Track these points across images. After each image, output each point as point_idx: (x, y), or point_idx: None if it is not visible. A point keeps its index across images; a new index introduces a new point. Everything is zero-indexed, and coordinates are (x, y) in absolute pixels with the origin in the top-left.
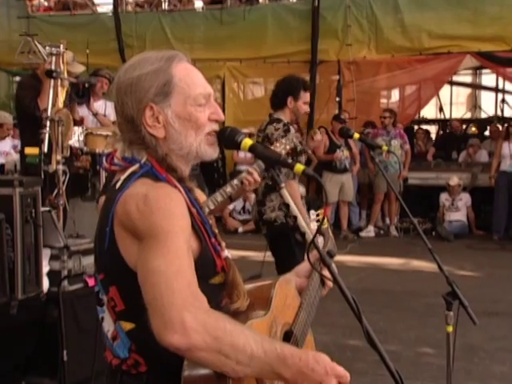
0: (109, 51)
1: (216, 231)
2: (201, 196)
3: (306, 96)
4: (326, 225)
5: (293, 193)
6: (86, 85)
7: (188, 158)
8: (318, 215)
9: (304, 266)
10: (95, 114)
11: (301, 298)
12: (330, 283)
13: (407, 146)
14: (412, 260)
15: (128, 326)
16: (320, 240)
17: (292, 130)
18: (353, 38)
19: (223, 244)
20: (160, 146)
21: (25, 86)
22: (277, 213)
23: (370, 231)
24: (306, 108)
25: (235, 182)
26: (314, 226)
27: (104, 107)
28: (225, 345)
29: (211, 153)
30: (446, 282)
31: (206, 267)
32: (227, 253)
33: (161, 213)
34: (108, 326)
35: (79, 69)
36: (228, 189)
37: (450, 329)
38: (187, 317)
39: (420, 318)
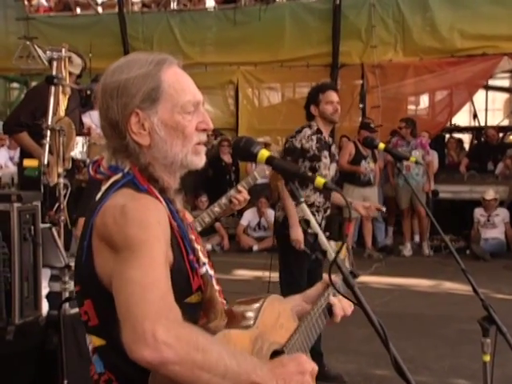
0: (113, 55)
1: (197, 247)
2: (187, 216)
3: (326, 96)
4: (345, 256)
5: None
6: (88, 92)
7: (172, 167)
8: (337, 245)
9: (313, 291)
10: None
11: (299, 321)
12: (339, 313)
13: (429, 158)
14: (444, 281)
15: (98, 342)
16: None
17: (307, 132)
18: (378, 39)
19: (203, 261)
20: (143, 154)
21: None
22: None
23: (408, 249)
24: (330, 108)
25: (223, 200)
26: (330, 256)
27: None
28: (198, 358)
29: (197, 162)
30: (482, 305)
31: (180, 284)
32: (207, 270)
33: (136, 223)
34: (89, 338)
35: (76, 69)
36: (216, 208)
37: (487, 358)
38: (160, 329)
39: (453, 345)
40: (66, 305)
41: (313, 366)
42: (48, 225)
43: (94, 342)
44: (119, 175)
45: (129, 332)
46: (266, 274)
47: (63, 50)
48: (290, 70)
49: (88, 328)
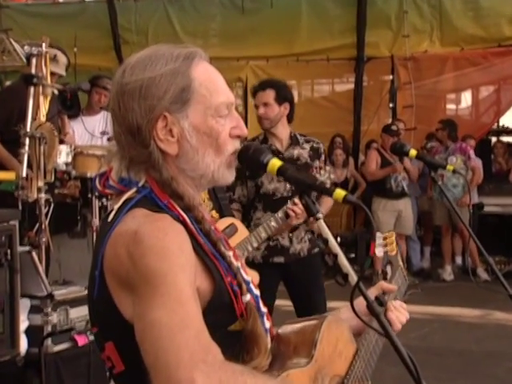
0: (102, 49)
1: (237, 268)
2: (242, 231)
3: (254, 100)
4: (394, 251)
5: None
6: (77, 93)
7: (201, 181)
8: (385, 239)
9: (362, 302)
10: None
11: (357, 343)
12: (397, 326)
13: (473, 163)
14: (493, 311)
15: None
16: (388, 270)
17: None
18: (410, 28)
19: (245, 286)
20: (167, 166)
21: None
22: (302, 245)
23: (449, 273)
24: (257, 113)
25: (280, 214)
26: (379, 252)
27: (104, 122)
28: None
29: (228, 177)
30: None
31: (222, 312)
32: (253, 290)
33: (153, 252)
34: None
35: (59, 70)
36: (272, 223)
37: None
38: (199, 377)
39: None
40: (48, 341)
41: None
42: (27, 248)
43: None
44: (132, 190)
45: None
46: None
47: (43, 44)
48: (307, 65)
49: (114, 376)
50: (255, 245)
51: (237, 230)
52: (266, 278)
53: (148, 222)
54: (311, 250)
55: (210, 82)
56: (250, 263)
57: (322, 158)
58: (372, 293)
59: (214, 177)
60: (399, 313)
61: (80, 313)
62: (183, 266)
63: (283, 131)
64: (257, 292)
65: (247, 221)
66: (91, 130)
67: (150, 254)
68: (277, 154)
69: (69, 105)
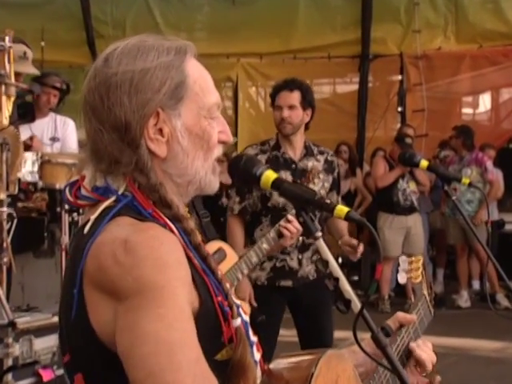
0: (73, 43)
1: (227, 288)
2: (231, 256)
3: (278, 97)
4: (419, 278)
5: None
6: (27, 98)
7: (187, 188)
8: (411, 263)
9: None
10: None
11: (365, 382)
12: (428, 364)
13: (491, 176)
14: None
15: None
16: (420, 304)
17: (249, 150)
18: (422, 22)
19: (235, 309)
20: (155, 170)
21: None
22: (310, 266)
23: (465, 299)
24: (277, 115)
25: (271, 234)
26: (402, 278)
27: (53, 126)
28: None
29: (215, 185)
30: None
31: (208, 336)
32: (243, 317)
33: (149, 263)
34: None
35: (31, 69)
36: (264, 245)
37: None
38: None
39: None
40: (9, 376)
41: None
42: None
43: None
44: (112, 199)
45: None
46: None
47: (7, 38)
48: (305, 63)
49: None
50: (246, 272)
51: (226, 256)
52: (271, 303)
53: (138, 230)
54: (320, 272)
55: (203, 80)
56: (253, 285)
57: (336, 172)
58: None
59: (201, 184)
60: (427, 347)
61: (46, 343)
62: (182, 280)
63: (300, 139)
64: (246, 318)
65: (249, 237)
66: (39, 136)
67: (145, 265)
68: (290, 163)
69: (21, 113)
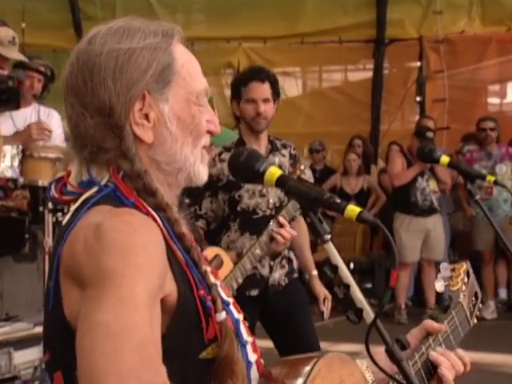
0: (57, 25)
1: (211, 281)
2: (227, 263)
3: (248, 90)
4: (457, 285)
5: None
6: (10, 83)
7: (177, 177)
8: (453, 270)
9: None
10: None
11: None
12: (447, 375)
13: None
14: None
15: None
16: (454, 312)
17: (226, 155)
18: (444, 2)
19: (226, 300)
20: (140, 157)
21: None
22: (280, 272)
23: (491, 310)
24: (250, 109)
25: (264, 238)
26: (440, 286)
27: (35, 118)
28: None
29: (203, 174)
30: None
31: (190, 332)
32: (233, 313)
33: (114, 248)
34: None
35: (19, 56)
36: (257, 250)
37: None
38: None
39: None
40: None
41: None
42: None
43: None
44: (94, 190)
45: None
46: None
47: None
48: (314, 49)
49: None
50: (241, 280)
51: (222, 263)
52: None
53: (114, 214)
54: (291, 274)
55: (191, 65)
56: None
57: (298, 166)
58: (414, 336)
59: (191, 172)
60: (453, 356)
61: (27, 357)
62: (143, 268)
63: (265, 134)
64: (238, 316)
65: (215, 243)
66: (22, 127)
67: (110, 251)
68: None
69: (4, 99)
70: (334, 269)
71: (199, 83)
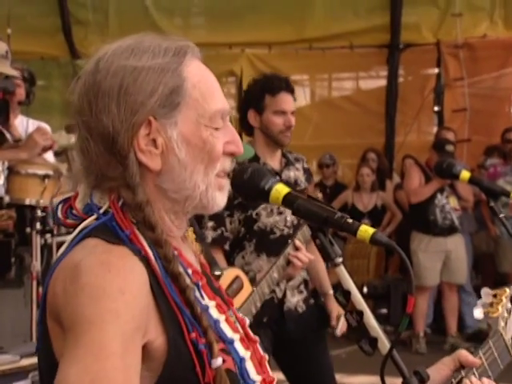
0: (46, 31)
1: (207, 323)
2: (247, 286)
3: (276, 101)
4: (497, 312)
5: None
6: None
7: (185, 205)
8: (495, 296)
9: (434, 374)
10: (17, 141)
11: None
12: None
13: None
14: None
15: None
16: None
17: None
18: (464, 4)
19: (217, 347)
20: (144, 186)
21: None
22: (298, 297)
23: None
24: (279, 121)
25: (281, 261)
26: (478, 313)
27: (24, 131)
28: None
29: (220, 201)
30: None
31: (184, 379)
32: (221, 361)
33: (86, 292)
34: None
35: (11, 71)
36: (274, 274)
37: None
38: None
39: None
40: None
41: None
42: None
43: None
44: (92, 217)
45: None
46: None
47: None
48: (323, 55)
49: None
50: (259, 304)
51: (243, 286)
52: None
53: (94, 253)
54: (308, 300)
55: (205, 84)
56: None
57: (313, 182)
58: (445, 365)
59: (203, 200)
60: None
61: None
62: (116, 313)
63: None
64: (245, 354)
65: (228, 265)
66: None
67: (82, 295)
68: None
69: None
70: (346, 294)
71: (215, 103)
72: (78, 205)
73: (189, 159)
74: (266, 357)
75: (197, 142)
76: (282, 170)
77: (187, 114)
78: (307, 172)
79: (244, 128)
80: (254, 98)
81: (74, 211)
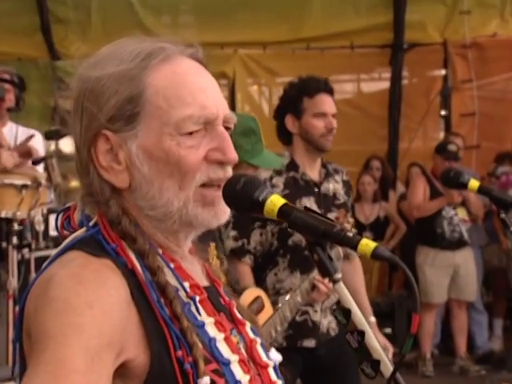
0: (24, 30)
1: (193, 340)
2: (268, 307)
3: (316, 103)
4: None
5: None
6: None
7: (167, 224)
8: None
9: None
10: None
11: None
12: None
13: None
14: None
15: None
16: None
17: (262, 173)
18: (472, 1)
19: (203, 366)
20: (122, 201)
21: None
22: (329, 318)
23: None
24: (321, 125)
25: (306, 285)
26: None
27: (13, 140)
28: None
29: (208, 218)
30: None
31: None
32: (207, 381)
33: (53, 306)
34: None
35: None
36: (298, 298)
37: None
38: None
39: None
40: None
41: None
42: None
43: None
44: (81, 230)
45: None
46: None
47: None
48: (321, 55)
49: None
50: (280, 328)
51: (263, 306)
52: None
53: (68, 266)
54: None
55: (175, 88)
56: None
57: (352, 196)
58: None
59: (183, 218)
60: None
61: None
62: (81, 327)
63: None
64: (241, 378)
65: (260, 281)
66: None
67: (49, 309)
68: (312, 186)
69: None
70: (347, 313)
71: (184, 108)
72: (75, 216)
73: (153, 174)
74: (279, 383)
75: (159, 154)
76: (321, 182)
77: (149, 124)
78: (347, 185)
79: (281, 136)
80: (291, 102)
81: (72, 222)
